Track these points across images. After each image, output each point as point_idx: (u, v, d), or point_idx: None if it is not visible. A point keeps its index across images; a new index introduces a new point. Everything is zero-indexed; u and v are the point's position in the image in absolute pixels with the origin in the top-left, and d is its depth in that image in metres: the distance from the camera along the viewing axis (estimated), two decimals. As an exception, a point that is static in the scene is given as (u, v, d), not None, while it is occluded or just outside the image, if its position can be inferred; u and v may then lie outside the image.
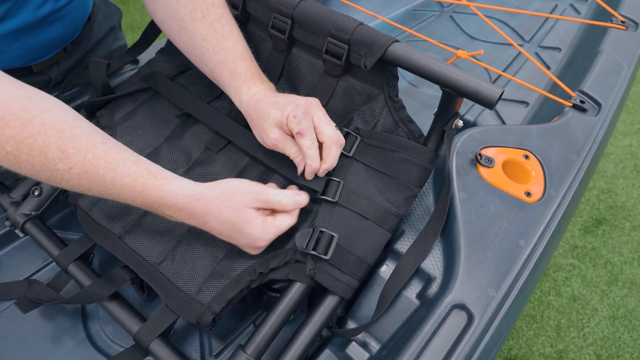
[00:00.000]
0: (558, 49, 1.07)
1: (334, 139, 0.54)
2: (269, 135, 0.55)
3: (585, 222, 1.76)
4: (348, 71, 0.61)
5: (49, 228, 0.66)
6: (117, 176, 0.48)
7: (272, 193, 0.53)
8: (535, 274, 0.58)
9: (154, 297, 0.67)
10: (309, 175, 0.57)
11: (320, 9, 0.59)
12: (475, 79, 0.49)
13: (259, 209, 0.52)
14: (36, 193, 0.68)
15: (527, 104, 0.96)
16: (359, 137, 0.60)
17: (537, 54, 1.07)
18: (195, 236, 0.60)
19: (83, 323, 0.64)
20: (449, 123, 0.55)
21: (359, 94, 0.61)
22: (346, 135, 0.60)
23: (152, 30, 0.78)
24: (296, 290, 0.55)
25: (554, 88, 0.91)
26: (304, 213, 0.59)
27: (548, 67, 1.04)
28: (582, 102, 0.75)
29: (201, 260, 0.59)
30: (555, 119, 0.74)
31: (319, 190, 0.57)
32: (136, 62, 0.85)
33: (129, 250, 0.61)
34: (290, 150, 0.55)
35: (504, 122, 0.94)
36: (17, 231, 0.67)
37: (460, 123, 0.56)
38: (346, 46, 0.57)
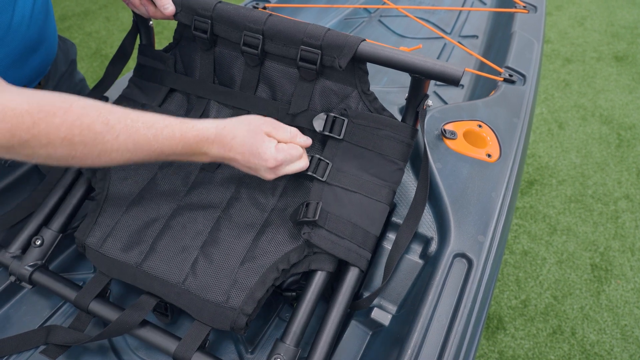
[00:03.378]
0: (476, 36, 1.23)
1: None
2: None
3: (520, 185, 1.97)
4: (321, 74, 0.68)
5: (57, 274, 0.66)
6: (157, 130, 0.54)
7: (281, 124, 0.63)
8: (508, 217, 0.69)
9: (176, 319, 0.69)
10: None
11: (288, 22, 0.66)
12: (440, 63, 0.58)
13: (270, 135, 0.61)
14: (38, 243, 0.68)
15: (462, 85, 1.10)
16: (346, 120, 0.67)
17: (460, 43, 1.22)
18: (211, 248, 0.64)
19: (115, 355, 0.65)
20: (420, 104, 0.64)
21: (335, 94, 0.68)
22: (334, 121, 0.67)
23: (114, 69, 0.80)
24: (318, 278, 0.61)
25: (481, 69, 1.06)
26: (302, 191, 0.67)
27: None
28: (510, 75, 0.89)
29: (223, 269, 0.62)
30: (492, 92, 0.87)
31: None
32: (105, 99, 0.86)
33: (150, 277, 0.63)
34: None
35: (446, 103, 1.07)
36: (23, 284, 0.67)
37: (430, 102, 0.65)
38: (319, 51, 0.64)
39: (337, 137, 0.66)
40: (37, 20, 0.69)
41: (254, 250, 0.63)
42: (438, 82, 1.12)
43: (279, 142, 0.61)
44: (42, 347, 0.62)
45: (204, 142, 0.57)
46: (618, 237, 1.76)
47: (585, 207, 1.87)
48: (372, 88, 0.67)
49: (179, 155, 0.57)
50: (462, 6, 1.33)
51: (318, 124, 0.67)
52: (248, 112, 0.72)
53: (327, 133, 0.67)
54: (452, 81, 0.57)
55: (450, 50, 1.20)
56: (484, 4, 1.33)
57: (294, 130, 0.63)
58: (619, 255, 1.70)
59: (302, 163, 0.63)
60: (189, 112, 0.74)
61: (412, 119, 0.66)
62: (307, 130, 0.69)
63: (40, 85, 0.79)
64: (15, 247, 0.67)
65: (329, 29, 0.64)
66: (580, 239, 1.76)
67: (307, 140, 0.64)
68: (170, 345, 0.59)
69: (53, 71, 0.83)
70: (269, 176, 0.61)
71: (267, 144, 0.59)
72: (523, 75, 0.90)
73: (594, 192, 1.92)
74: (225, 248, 0.63)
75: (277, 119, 0.71)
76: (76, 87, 0.90)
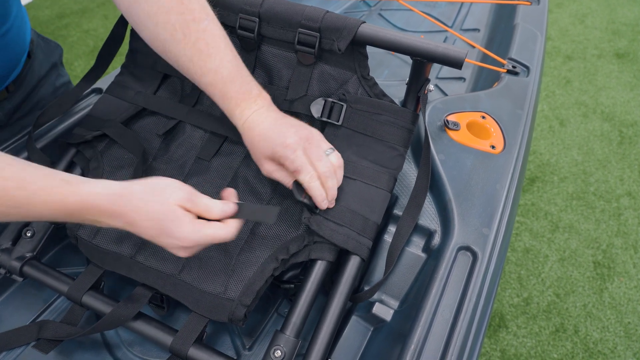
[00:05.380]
0: (477, 29, 1.21)
1: (328, 173, 0.56)
2: (264, 167, 0.58)
3: (521, 182, 1.96)
4: (320, 58, 0.66)
5: (49, 266, 0.65)
6: (30, 194, 0.46)
7: (201, 196, 0.52)
8: (514, 210, 0.67)
9: (172, 312, 0.68)
10: (322, 205, 0.58)
11: (286, 4, 0.63)
12: (442, 45, 0.56)
13: (187, 210, 0.50)
14: (29, 234, 0.66)
15: (464, 79, 1.08)
16: (345, 105, 0.65)
17: (462, 36, 1.20)
18: None
19: (108, 351, 0.63)
20: (421, 89, 0.62)
21: (334, 79, 0.66)
22: (332, 106, 0.65)
23: (106, 55, 0.78)
24: (318, 268, 0.59)
25: (484, 62, 1.04)
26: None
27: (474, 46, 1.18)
28: (514, 67, 0.87)
29: (219, 259, 0.61)
30: (496, 84, 0.85)
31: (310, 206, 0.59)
32: (99, 91, 0.85)
33: (145, 268, 0.61)
34: (285, 180, 0.58)
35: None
36: (14, 277, 0.65)
37: (432, 87, 0.63)
38: (317, 34, 0.62)
39: (336, 123, 0.64)
40: None
41: (252, 240, 0.61)
42: (440, 75, 1.11)
43: (196, 216, 0.50)
44: (34, 342, 0.61)
45: (92, 211, 0.48)
46: (621, 234, 1.74)
47: (587, 204, 1.85)
48: None
49: (64, 221, 0.49)
50: (464, -1, 1.31)
51: (316, 109, 0.65)
52: None
53: (325, 119, 0.65)
54: (454, 63, 0.55)
55: (452, 43, 1.18)
56: (486, -3, 1.31)
57: (219, 206, 0.52)
58: (621, 253, 1.68)
59: (225, 232, 0.51)
60: (183, 98, 0.73)
61: (412, 103, 0.64)
62: (304, 116, 0.67)
63: (7, 91, 0.76)
64: (5, 239, 0.66)
65: (327, 11, 0.62)
66: (583, 236, 1.74)
67: (232, 210, 0.52)
68: (167, 338, 0.57)
69: (29, 75, 0.80)
70: (183, 254, 0.51)
71: (182, 219, 0.48)
72: (526, 67, 0.88)
73: (596, 190, 1.90)
74: None
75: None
76: (57, 91, 0.87)
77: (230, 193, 0.56)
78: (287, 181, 0.59)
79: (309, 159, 0.55)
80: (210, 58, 0.57)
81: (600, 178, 1.95)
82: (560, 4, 3.02)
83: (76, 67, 2.50)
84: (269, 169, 0.58)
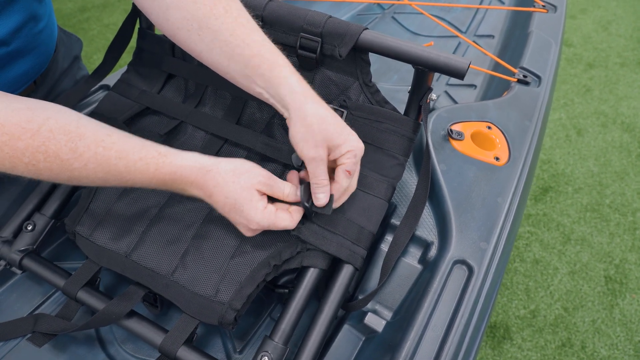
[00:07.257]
0: (492, 36, 1.19)
1: (350, 191, 0.57)
2: (317, 149, 0.52)
3: (533, 191, 1.92)
4: (322, 63, 0.65)
5: (48, 260, 0.65)
6: (130, 162, 0.51)
7: (278, 180, 0.55)
8: (515, 225, 0.65)
9: (166, 312, 0.68)
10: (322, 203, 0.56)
11: (289, 8, 0.63)
12: (444, 54, 0.55)
13: (263, 193, 0.54)
14: (29, 228, 0.67)
15: (475, 86, 1.06)
16: (345, 112, 0.64)
17: (475, 42, 1.18)
18: (201, 240, 0.62)
19: (101, 347, 0.64)
20: (424, 98, 0.61)
21: (335, 85, 0.66)
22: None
23: (115, 52, 0.79)
24: (310, 275, 0.59)
25: (496, 70, 1.02)
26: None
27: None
28: (524, 76, 0.85)
29: (212, 262, 0.61)
30: (505, 93, 0.84)
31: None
32: (107, 87, 0.86)
33: (139, 267, 0.61)
34: (321, 173, 0.54)
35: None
36: (13, 269, 0.66)
37: (434, 96, 0.62)
38: (319, 39, 0.62)
39: None
40: (24, 33, 0.67)
41: (246, 244, 0.61)
42: (450, 82, 1.09)
43: (269, 202, 0.54)
44: (29, 335, 0.62)
45: (181, 181, 0.52)
46: (635, 249, 1.69)
47: (601, 217, 1.81)
48: (382, 85, 0.64)
49: (156, 188, 0.54)
50: (480, 4, 1.29)
51: None
52: (245, 102, 0.70)
53: None
54: (456, 74, 0.54)
55: (465, 49, 1.16)
56: (502, 2, 1.29)
57: (294, 190, 0.55)
58: (635, 269, 1.64)
59: (289, 221, 0.55)
60: (187, 98, 0.73)
61: (414, 112, 0.63)
62: None
63: (35, 84, 0.78)
64: (7, 231, 0.67)
65: (330, 16, 0.61)
66: (595, 249, 1.70)
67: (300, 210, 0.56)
68: (157, 337, 0.57)
69: (53, 68, 0.82)
70: (247, 234, 0.56)
71: (255, 204, 0.52)
72: (538, 77, 0.86)
73: (612, 202, 1.86)
74: (215, 241, 0.62)
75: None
76: (77, 83, 0.89)
77: (294, 175, 0.59)
78: (322, 176, 0.54)
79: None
80: (254, 32, 0.56)
81: (617, 190, 1.90)
82: (584, 10, 2.95)
83: (95, 60, 2.54)
84: (319, 156, 0.53)
